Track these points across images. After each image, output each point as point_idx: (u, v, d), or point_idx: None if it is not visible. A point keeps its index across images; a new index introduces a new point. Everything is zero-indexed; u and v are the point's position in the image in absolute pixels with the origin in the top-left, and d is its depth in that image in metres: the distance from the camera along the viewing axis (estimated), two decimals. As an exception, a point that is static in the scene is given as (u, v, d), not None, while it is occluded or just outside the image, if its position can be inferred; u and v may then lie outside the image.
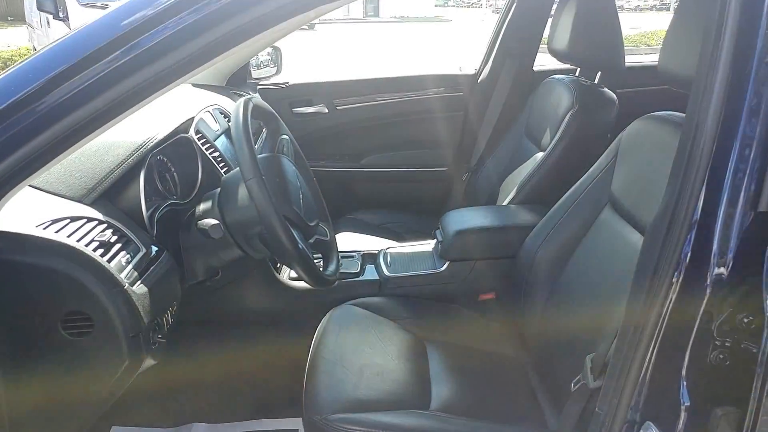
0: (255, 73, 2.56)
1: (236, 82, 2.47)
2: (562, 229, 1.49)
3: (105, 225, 1.06)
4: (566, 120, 1.83)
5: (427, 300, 1.68)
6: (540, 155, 1.92)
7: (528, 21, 2.33)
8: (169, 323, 1.14)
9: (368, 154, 2.61)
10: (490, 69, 2.46)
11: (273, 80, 2.56)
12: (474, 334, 1.60)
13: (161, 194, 1.33)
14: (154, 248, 1.16)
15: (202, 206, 1.29)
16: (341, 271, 1.73)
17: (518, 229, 1.66)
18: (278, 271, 1.75)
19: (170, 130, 1.31)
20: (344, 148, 2.62)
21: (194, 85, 2.26)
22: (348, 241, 2.08)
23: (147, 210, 1.22)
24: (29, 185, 1.08)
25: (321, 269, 1.27)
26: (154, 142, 1.21)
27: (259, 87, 2.51)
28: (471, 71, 2.55)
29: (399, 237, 2.22)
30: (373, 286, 1.71)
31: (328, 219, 1.51)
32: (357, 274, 1.74)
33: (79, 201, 1.08)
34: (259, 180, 1.11)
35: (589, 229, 1.44)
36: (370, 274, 1.75)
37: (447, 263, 1.72)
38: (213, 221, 1.19)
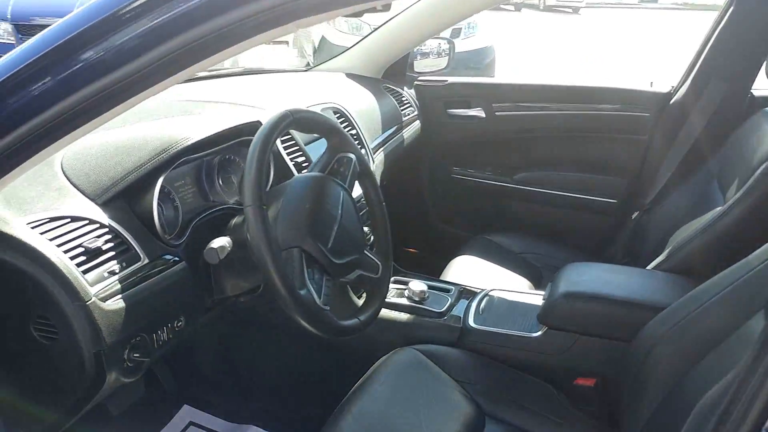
0: (418, 65, 2.39)
1: (393, 74, 2.33)
2: (700, 321, 1.09)
3: (106, 230, 1.00)
4: (761, 170, 1.34)
5: (509, 368, 1.38)
6: (719, 210, 1.46)
7: (748, 30, 1.78)
8: (163, 341, 1.06)
9: (524, 170, 2.28)
10: (689, 89, 1.96)
11: (433, 76, 2.35)
12: (555, 424, 1.27)
13: (207, 197, 1.25)
14: (169, 257, 1.08)
15: (236, 219, 1.18)
16: (425, 306, 1.51)
17: (645, 309, 1.27)
18: (357, 294, 1.58)
19: (221, 129, 1.20)
20: (497, 159, 2.33)
21: (348, 75, 2.18)
22: (459, 269, 1.84)
23: (176, 215, 1.14)
24: (62, 172, 1.07)
25: (336, 317, 1.07)
26: (189, 143, 1.11)
27: (416, 82, 2.33)
28: (665, 89, 2.06)
29: (532, 273, 1.90)
30: (452, 334, 1.46)
31: (387, 254, 1.29)
32: (441, 315, 1.50)
33: (93, 200, 1.03)
34: (256, 209, 0.96)
35: (731, 334, 1.02)
36: (455, 317, 1.50)
37: (545, 329, 1.39)
38: (220, 242, 1.06)
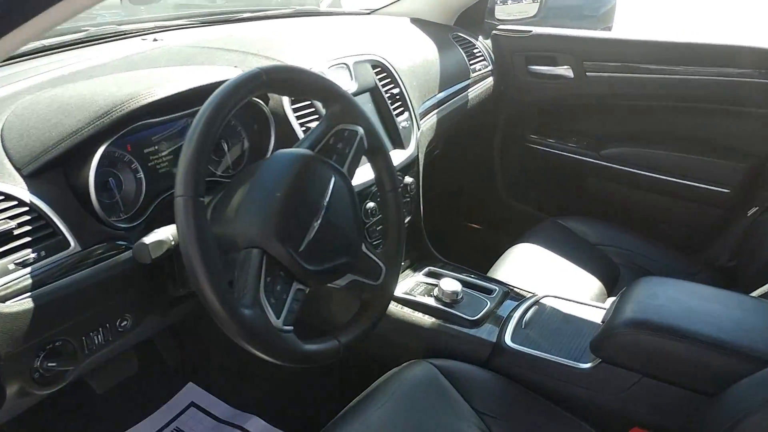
0: (501, 12, 2.03)
1: (468, 22, 2.00)
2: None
3: (25, 209, 0.81)
4: None
5: (546, 402, 1.09)
6: None
7: None
8: (97, 344, 0.87)
9: (614, 144, 1.90)
10: None
11: (517, 25, 1.99)
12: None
13: None
14: (117, 243, 0.89)
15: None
16: (455, 311, 1.24)
17: (741, 358, 0.95)
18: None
19: (192, 87, 0.97)
20: (583, 129, 1.97)
21: (413, 20, 1.88)
22: (517, 259, 1.54)
23: (137, 190, 0.94)
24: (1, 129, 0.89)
25: (304, 340, 0.83)
26: (138, 104, 0.88)
27: (494, 32, 1.99)
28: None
29: (608, 271, 1.57)
30: (482, 350, 1.19)
31: (395, 257, 1.02)
32: (473, 324, 1.23)
33: (19, 169, 0.85)
34: (189, 201, 0.73)
35: None
36: (489, 329, 1.22)
37: (598, 361, 1.09)
38: (158, 236, 0.84)
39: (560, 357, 1.12)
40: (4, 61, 1.11)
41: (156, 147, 1.01)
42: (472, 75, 1.83)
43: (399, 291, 1.32)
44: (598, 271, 1.57)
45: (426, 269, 1.42)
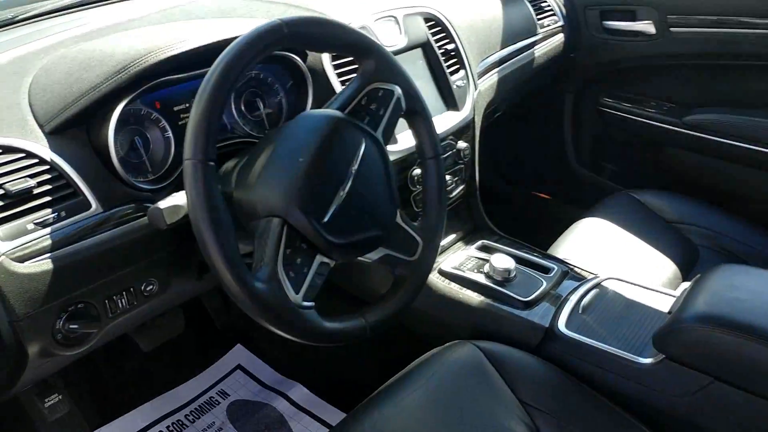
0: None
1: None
2: None
3: (46, 167, 0.77)
4: None
5: (601, 398, 0.98)
6: None
7: None
8: (122, 308, 0.84)
9: (699, 110, 1.70)
10: None
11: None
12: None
13: (224, 126, 0.98)
14: (145, 206, 0.84)
15: (228, 164, 0.89)
16: (505, 290, 1.14)
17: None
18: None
19: (218, 39, 0.89)
20: (664, 93, 1.77)
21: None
22: (582, 235, 1.41)
23: (166, 150, 0.89)
24: (29, 85, 0.86)
25: (326, 316, 0.76)
26: (156, 59, 0.81)
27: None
28: None
29: (684, 253, 1.42)
30: (533, 335, 1.08)
31: (435, 231, 0.92)
32: (525, 306, 1.12)
33: (41, 126, 0.81)
34: (198, 164, 0.66)
35: None
36: (543, 313, 1.11)
37: (661, 357, 0.96)
38: (173, 200, 0.78)
39: (619, 349, 1.00)
40: (39, 15, 1.08)
41: (187, 104, 0.95)
42: (540, 31, 1.67)
43: (447, 265, 1.23)
44: (673, 253, 1.41)
45: (479, 243, 1.32)
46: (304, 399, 1.41)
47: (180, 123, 0.93)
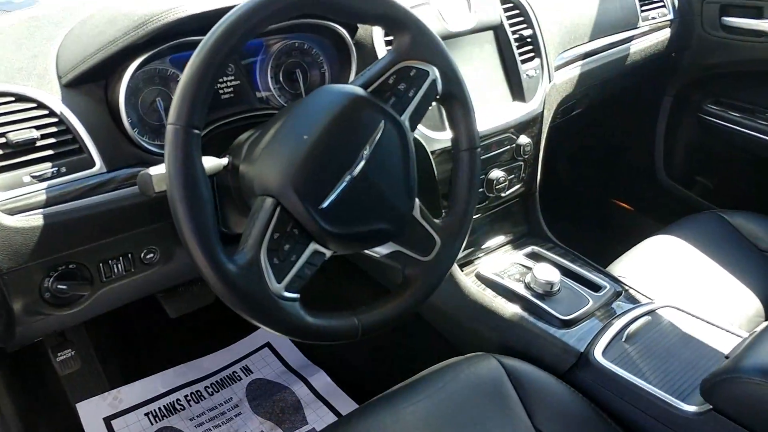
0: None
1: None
2: None
3: (54, 120, 0.76)
4: None
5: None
6: None
7: None
8: (117, 274, 0.83)
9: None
10: None
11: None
12: None
13: (254, 96, 0.94)
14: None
15: (245, 134, 0.85)
16: (544, 305, 1.04)
17: None
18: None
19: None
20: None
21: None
22: (642, 257, 1.26)
23: (160, 116, 0.86)
24: (63, 36, 0.86)
25: (311, 312, 0.70)
26: (177, 16, 0.78)
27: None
28: None
29: None
30: (565, 359, 0.98)
31: (458, 230, 0.83)
32: (563, 324, 1.02)
33: (60, 77, 0.80)
34: (179, 131, 0.62)
35: None
36: (580, 336, 1.00)
37: (707, 407, 0.83)
38: (160, 168, 0.73)
39: (659, 389, 0.88)
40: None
41: (221, 69, 0.92)
42: (641, 24, 1.50)
43: (487, 269, 1.14)
44: (758, 285, 1.24)
45: (528, 249, 1.22)
46: (324, 387, 1.38)
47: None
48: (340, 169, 0.70)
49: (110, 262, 0.82)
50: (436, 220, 0.82)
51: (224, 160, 0.78)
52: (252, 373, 1.43)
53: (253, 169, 0.72)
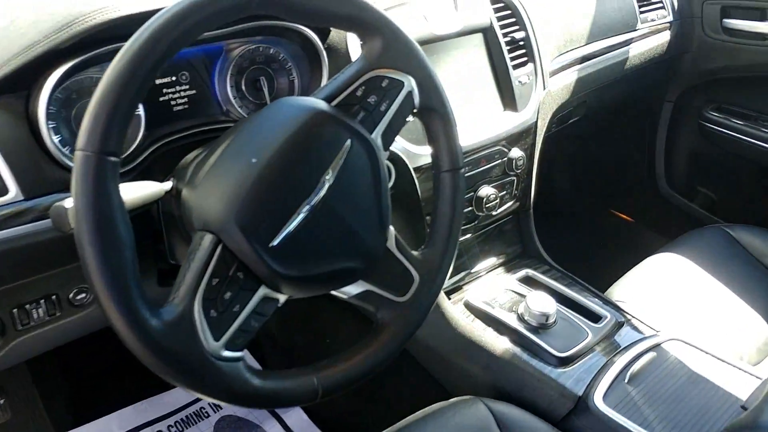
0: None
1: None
2: None
3: None
4: None
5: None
6: None
7: None
8: (36, 320, 0.71)
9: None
10: None
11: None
12: None
13: (215, 106, 0.83)
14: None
15: (192, 153, 0.73)
16: (538, 340, 0.94)
17: None
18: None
19: None
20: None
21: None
22: (644, 280, 1.17)
23: (135, 129, 0.75)
24: None
25: (258, 373, 0.59)
26: (106, 18, 0.66)
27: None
28: None
29: None
30: (561, 402, 0.88)
31: (439, 265, 0.73)
32: (559, 362, 0.92)
33: None
34: (90, 158, 0.50)
35: None
36: (578, 377, 0.90)
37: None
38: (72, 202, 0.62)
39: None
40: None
41: (174, 78, 0.81)
42: (640, 26, 1.40)
43: (477, 297, 1.04)
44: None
45: (522, 272, 1.11)
46: (300, 425, 1.26)
47: (161, 99, 0.80)
48: (295, 198, 0.59)
49: (28, 306, 0.70)
50: (415, 252, 0.71)
51: (167, 185, 0.67)
52: (221, 408, 1.32)
53: (193, 197, 0.61)
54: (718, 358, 0.93)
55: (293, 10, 0.60)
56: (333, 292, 0.66)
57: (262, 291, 0.59)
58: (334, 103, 0.65)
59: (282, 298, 0.61)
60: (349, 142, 0.63)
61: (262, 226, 0.57)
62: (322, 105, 0.63)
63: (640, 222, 1.77)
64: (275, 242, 0.57)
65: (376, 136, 0.67)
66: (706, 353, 0.93)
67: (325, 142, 0.62)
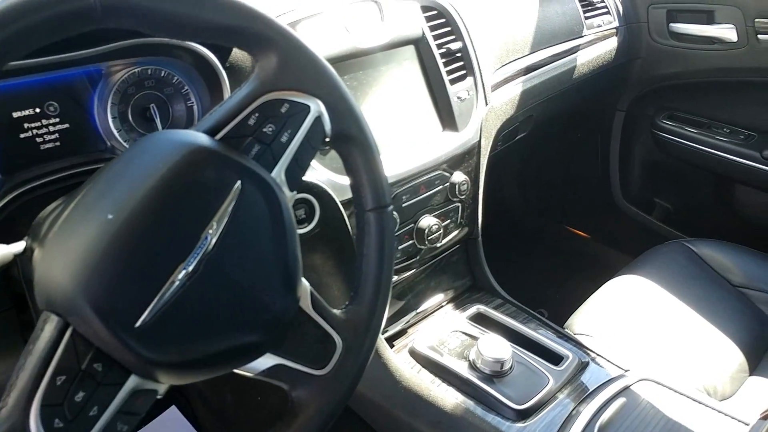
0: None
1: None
2: None
3: None
4: None
5: None
6: None
7: None
8: None
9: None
10: None
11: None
12: None
13: (96, 140, 0.70)
14: None
15: (52, 205, 0.59)
16: (491, 390, 0.82)
17: None
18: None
19: None
20: (741, 118, 1.40)
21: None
22: (607, 308, 1.07)
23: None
24: None
25: None
26: None
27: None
28: None
29: (753, 333, 1.08)
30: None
31: (366, 325, 0.60)
32: (519, 416, 0.80)
33: None
34: None
35: None
36: (540, 428, 0.78)
37: None
38: None
39: None
40: None
41: (38, 110, 0.67)
42: (586, 32, 1.32)
43: (423, 342, 0.92)
44: (738, 332, 1.07)
45: (473, 309, 1.00)
46: None
47: (22, 135, 0.65)
48: (167, 262, 0.45)
49: None
50: (337, 312, 0.58)
51: (19, 246, 0.53)
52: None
53: (37, 264, 0.46)
54: (693, 399, 0.83)
55: (154, 22, 0.47)
56: (236, 371, 0.53)
57: (132, 383, 0.45)
58: (220, 135, 0.51)
59: (161, 388, 0.47)
60: (238, 184, 0.49)
61: (123, 302, 0.43)
62: (202, 140, 0.50)
63: (598, 238, 1.68)
64: (142, 322, 0.44)
65: (278, 174, 0.54)
66: (680, 394, 0.83)
67: (206, 186, 0.48)
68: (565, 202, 1.76)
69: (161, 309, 0.44)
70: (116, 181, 0.47)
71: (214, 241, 0.47)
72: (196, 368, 0.48)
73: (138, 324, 0.43)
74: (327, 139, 0.57)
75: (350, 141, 0.58)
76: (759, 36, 1.27)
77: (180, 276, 0.45)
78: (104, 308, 0.42)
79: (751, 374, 1.02)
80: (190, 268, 0.46)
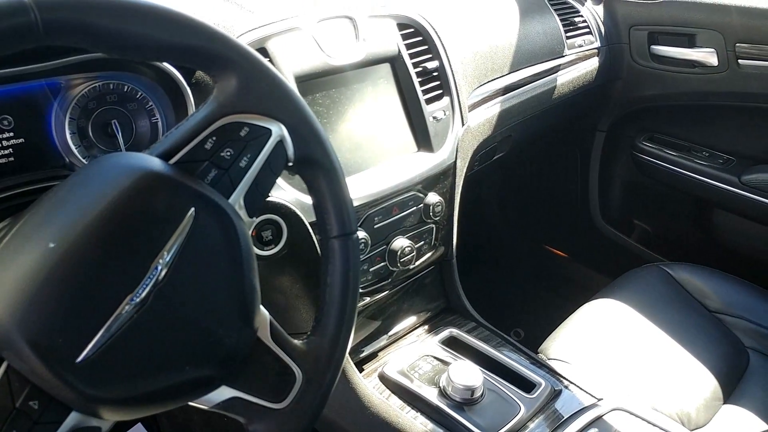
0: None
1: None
2: None
3: None
4: None
5: None
6: None
7: None
8: None
9: (763, 167, 1.33)
10: None
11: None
12: None
13: (55, 156, 0.68)
14: None
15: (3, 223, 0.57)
16: (461, 419, 0.80)
17: None
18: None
19: None
20: (721, 142, 1.40)
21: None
22: (581, 332, 1.05)
23: None
24: None
25: None
26: None
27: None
28: None
29: (730, 358, 1.08)
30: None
31: (330, 356, 0.58)
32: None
33: None
34: None
35: None
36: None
37: None
38: None
39: None
40: None
41: (-7, 124, 0.64)
42: (567, 53, 1.32)
43: (392, 367, 0.89)
44: (713, 358, 1.06)
45: (446, 332, 0.98)
46: None
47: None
48: (113, 293, 0.43)
49: None
50: (298, 342, 0.56)
51: None
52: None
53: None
54: (666, 430, 0.81)
55: (101, 41, 0.45)
56: (192, 404, 0.50)
57: (73, 420, 0.43)
58: (174, 160, 0.49)
59: (106, 424, 0.45)
60: (192, 211, 0.47)
61: (63, 336, 0.41)
62: (154, 164, 0.48)
63: (576, 258, 1.67)
64: (84, 357, 0.41)
65: (236, 200, 0.52)
66: (653, 425, 0.81)
67: (158, 214, 0.46)
68: (544, 221, 1.75)
69: (106, 343, 0.42)
70: (60, 206, 0.45)
71: (165, 271, 0.45)
72: (144, 404, 0.45)
73: (79, 359, 0.41)
74: (290, 164, 0.55)
75: (314, 165, 0.56)
76: (739, 61, 1.27)
77: (127, 308, 0.43)
78: (41, 343, 0.40)
79: (725, 402, 1.01)
80: (138, 300, 0.43)
